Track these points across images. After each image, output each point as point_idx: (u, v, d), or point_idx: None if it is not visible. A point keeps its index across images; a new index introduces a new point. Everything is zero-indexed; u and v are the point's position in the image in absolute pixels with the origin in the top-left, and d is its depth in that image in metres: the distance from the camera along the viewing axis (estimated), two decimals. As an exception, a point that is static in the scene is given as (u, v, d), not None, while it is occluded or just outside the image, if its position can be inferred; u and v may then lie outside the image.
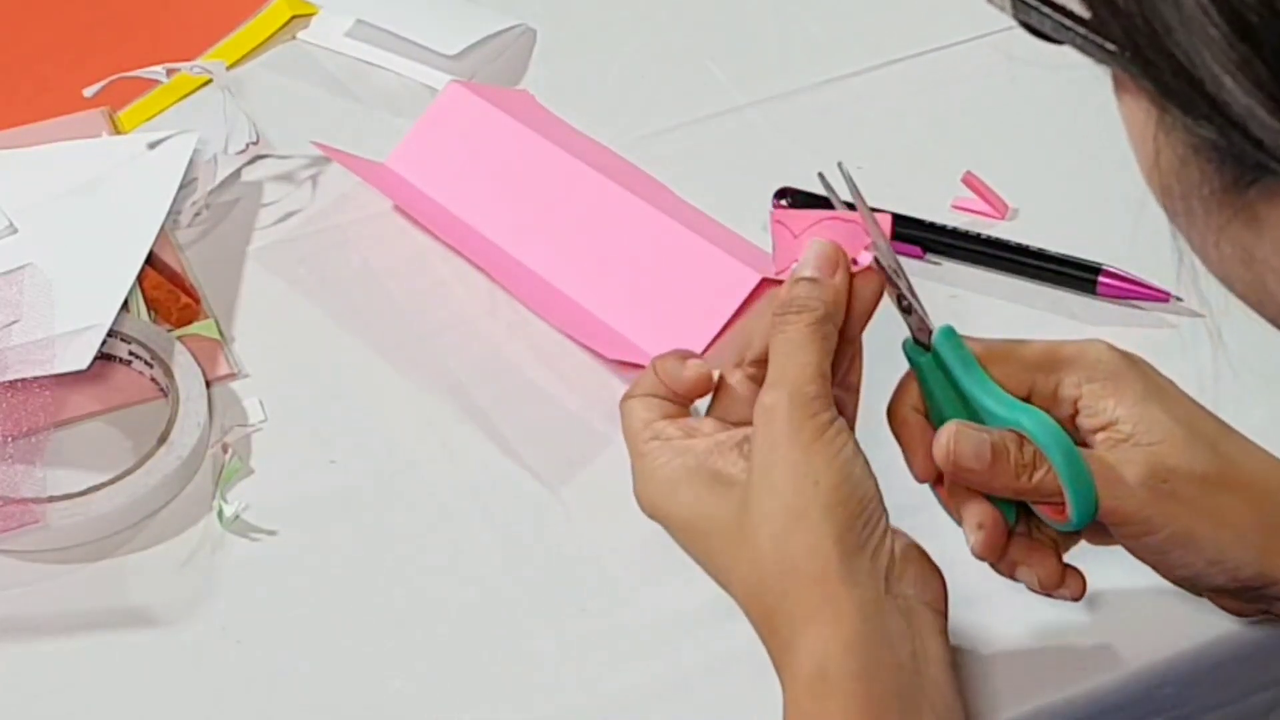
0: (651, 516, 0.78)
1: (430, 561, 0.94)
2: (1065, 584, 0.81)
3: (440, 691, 0.89)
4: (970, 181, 1.08)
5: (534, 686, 0.89)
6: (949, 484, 0.80)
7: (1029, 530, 0.81)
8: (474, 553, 0.94)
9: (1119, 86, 0.56)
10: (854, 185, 0.80)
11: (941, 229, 1.06)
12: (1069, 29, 0.54)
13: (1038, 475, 0.77)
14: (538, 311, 1.02)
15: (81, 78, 1.14)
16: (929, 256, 1.05)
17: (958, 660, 0.89)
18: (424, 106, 1.11)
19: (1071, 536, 0.82)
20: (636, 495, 0.78)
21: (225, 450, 0.97)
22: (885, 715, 0.72)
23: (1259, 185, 0.52)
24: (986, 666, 0.88)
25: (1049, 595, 0.82)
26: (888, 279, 0.80)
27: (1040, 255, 1.04)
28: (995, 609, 0.87)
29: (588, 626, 0.91)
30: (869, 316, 0.79)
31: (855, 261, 0.79)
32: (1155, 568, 0.80)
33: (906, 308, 0.80)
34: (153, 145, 1.09)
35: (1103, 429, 0.78)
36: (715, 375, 0.81)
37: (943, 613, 0.76)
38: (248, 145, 1.11)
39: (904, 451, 0.81)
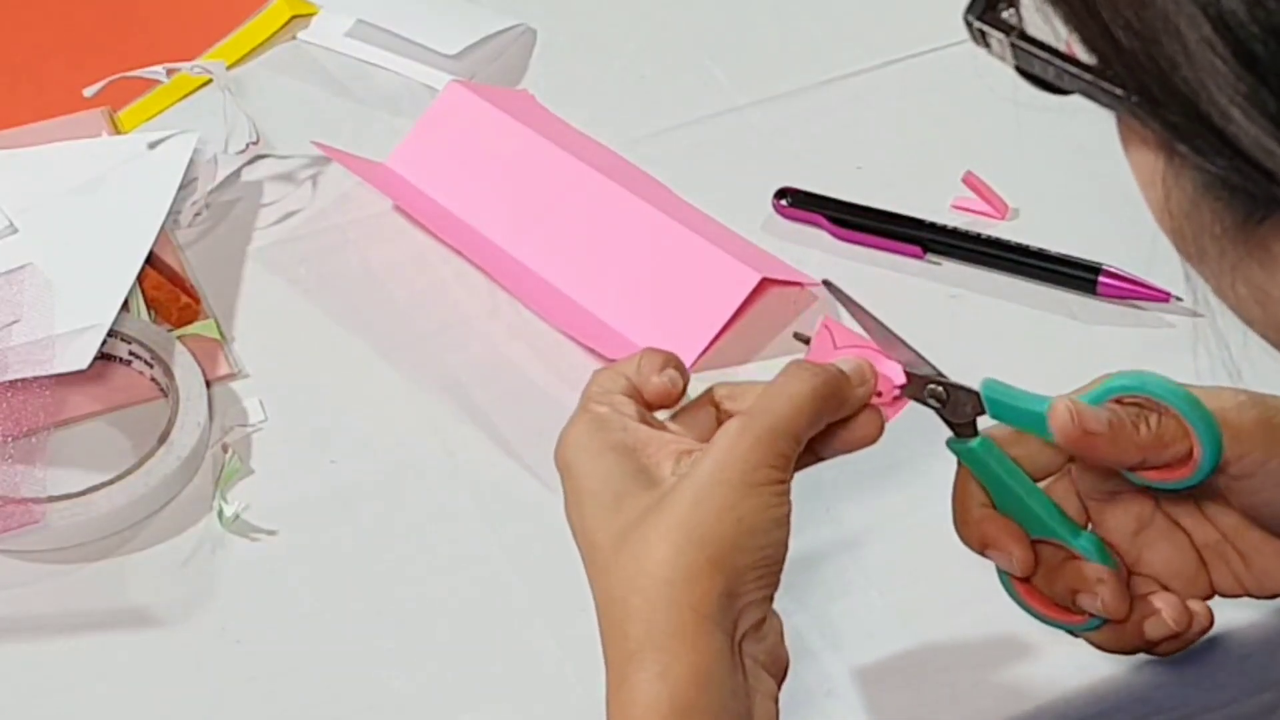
0: (563, 464, 0.76)
1: (430, 561, 0.94)
2: (1194, 619, 0.80)
3: (440, 691, 0.89)
4: (970, 181, 1.08)
5: (534, 686, 0.89)
6: (1038, 580, 0.80)
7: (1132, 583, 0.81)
8: (474, 553, 0.94)
9: (1125, 136, 0.56)
10: (854, 303, 0.80)
11: (941, 229, 1.06)
12: (1074, 75, 0.54)
13: (1153, 422, 0.75)
14: (538, 311, 1.02)
15: (81, 78, 1.14)
16: (929, 256, 1.05)
17: (957, 660, 0.89)
18: (424, 106, 1.11)
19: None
20: (560, 439, 0.77)
21: (225, 450, 0.97)
22: None
23: (1270, 221, 0.52)
24: (986, 666, 0.88)
25: (1179, 640, 0.80)
26: (915, 380, 0.79)
27: (1040, 255, 1.04)
28: (994, 609, 0.86)
29: (588, 626, 0.90)
30: (847, 450, 0.78)
31: (879, 393, 0.78)
32: (1274, 512, 0.78)
33: (939, 398, 0.79)
34: (153, 145, 1.09)
35: None
36: (684, 393, 0.79)
37: (779, 686, 0.75)
38: (248, 145, 1.11)
39: (994, 554, 0.79)
